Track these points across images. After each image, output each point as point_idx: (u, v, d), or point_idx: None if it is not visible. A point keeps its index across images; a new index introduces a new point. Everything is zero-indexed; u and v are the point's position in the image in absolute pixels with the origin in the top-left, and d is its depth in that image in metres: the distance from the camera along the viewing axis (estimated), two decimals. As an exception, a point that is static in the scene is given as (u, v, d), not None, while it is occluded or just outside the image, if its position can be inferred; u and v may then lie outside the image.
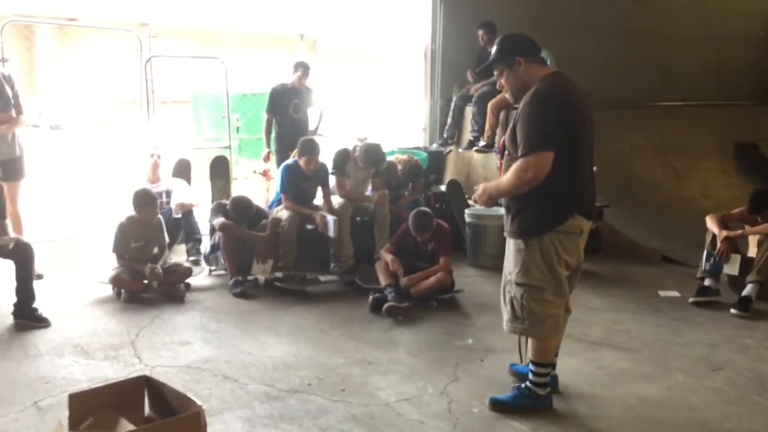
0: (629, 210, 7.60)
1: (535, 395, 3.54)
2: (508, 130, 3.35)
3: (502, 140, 8.10)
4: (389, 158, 6.89)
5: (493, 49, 3.42)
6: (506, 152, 3.46)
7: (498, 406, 3.56)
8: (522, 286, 3.33)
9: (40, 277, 5.50)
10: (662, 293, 5.70)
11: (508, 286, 3.40)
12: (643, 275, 6.31)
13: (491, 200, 3.43)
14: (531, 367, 3.54)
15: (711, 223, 5.52)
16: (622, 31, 9.89)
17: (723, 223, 5.50)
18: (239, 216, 5.77)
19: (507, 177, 3.24)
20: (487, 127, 7.69)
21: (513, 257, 3.37)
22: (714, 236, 5.44)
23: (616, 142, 8.58)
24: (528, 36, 3.41)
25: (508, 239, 3.43)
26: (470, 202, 6.88)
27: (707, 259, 5.45)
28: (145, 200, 5.49)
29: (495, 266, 6.19)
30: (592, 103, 9.05)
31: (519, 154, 3.15)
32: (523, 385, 3.59)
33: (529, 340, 3.53)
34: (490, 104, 7.70)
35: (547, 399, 3.57)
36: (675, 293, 5.69)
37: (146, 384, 3.00)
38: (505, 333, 4.71)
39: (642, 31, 10.08)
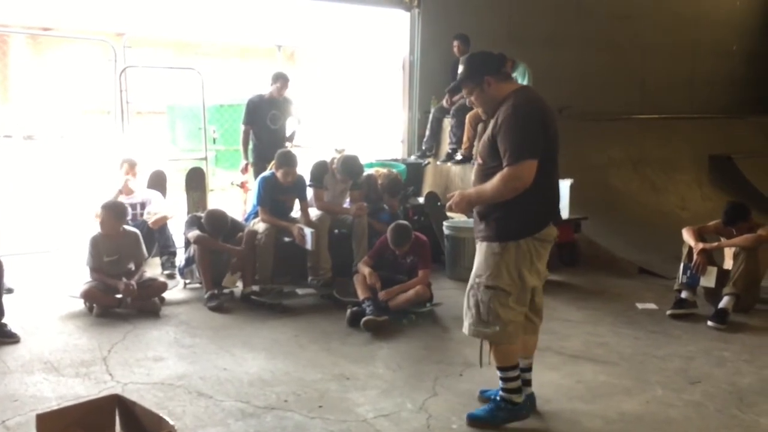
0: (607, 222, 7.64)
1: (511, 404, 3.50)
2: (484, 142, 3.38)
3: (480, 152, 8.14)
4: (369, 171, 6.86)
5: (460, 69, 3.47)
6: (477, 162, 3.48)
7: (476, 421, 3.52)
8: (491, 289, 3.34)
9: (10, 291, 5.37)
10: (640, 305, 5.72)
11: (474, 290, 3.41)
12: (620, 287, 6.32)
13: (470, 207, 3.45)
14: (499, 374, 3.51)
15: (687, 236, 5.55)
16: (598, 44, 9.99)
17: (699, 236, 5.53)
18: (214, 230, 5.69)
19: (492, 185, 3.26)
20: (465, 139, 7.71)
21: (485, 260, 3.37)
22: (690, 249, 5.47)
23: (594, 155, 8.65)
24: (494, 53, 3.45)
25: (479, 243, 3.44)
26: (449, 214, 6.87)
27: (684, 272, 5.48)
28: (113, 211, 5.40)
29: (473, 279, 6.19)
30: (569, 115, 9.11)
31: (505, 163, 3.21)
32: (498, 398, 3.54)
33: (492, 350, 3.48)
34: (468, 116, 7.72)
35: (524, 407, 3.54)
36: (652, 305, 5.70)
37: (117, 403, 2.92)
38: (484, 346, 4.71)
39: (618, 43, 10.19)
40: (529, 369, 3.69)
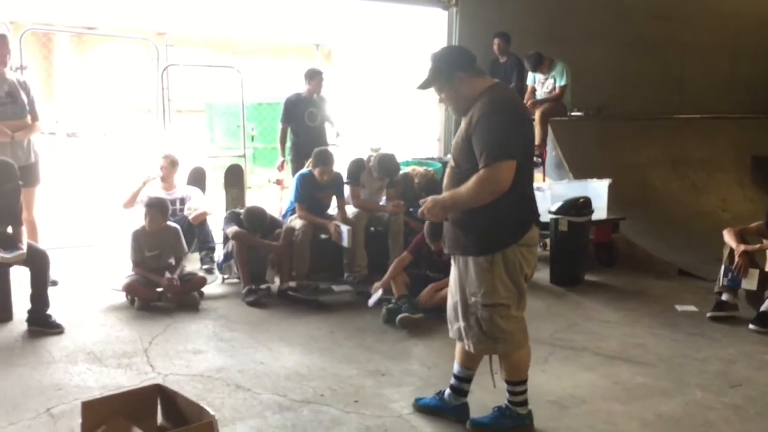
0: (645, 223, 7.53)
1: (516, 415, 3.42)
2: (457, 143, 3.22)
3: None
4: (406, 170, 6.87)
5: (429, 66, 3.27)
6: (450, 166, 3.31)
7: (479, 428, 3.44)
8: (490, 307, 3.20)
9: (54, 283, 5.51)
10: (679, 307, 5.64)
11: (472, 308, 3.25)
12: (659, 289, 6.24)
13: (444, 213, 3.27)
14: (508, 387, 3.42)
15: (729, 237, 5.45)
16: (637, 42, 9.86)
17: (741, 237, 5.42)
18: (253, 226, 5.77)
19: (467, 188, 3.06)
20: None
21: (476, 278, 3.20)
22: (732, 250, 5.37)
23: (632, 155, 8.53)
24: (464, 48, 3.34)
25: (461, 258, 3.26)
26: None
27: (725, 274, 5.38)
28: (157, 208, 5.52)
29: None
30: (607, 115, 8.97)
31: (481, 164, 3.01)
32: (504, 405, 3.45)
33: (503, 364, 3.40)
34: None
35: (527, 418, 3.45)
36: (692, 308, 5.62)
37: (159, 392, 2.99)
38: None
39: (657, 42, 10.04)
40: (468, 380, 3.57)
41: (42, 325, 4.72)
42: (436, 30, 8.85)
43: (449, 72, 3.20)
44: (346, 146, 7.98)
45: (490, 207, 3.07)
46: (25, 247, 4.76)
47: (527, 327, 3.40)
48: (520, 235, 3.17)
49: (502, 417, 3.44)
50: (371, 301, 5.27)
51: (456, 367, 3.58)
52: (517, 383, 3.41)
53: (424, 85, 3.31)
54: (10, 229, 4.86)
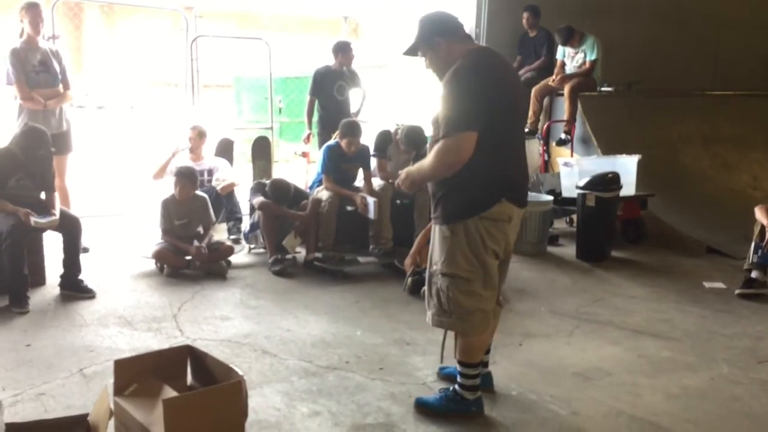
0: (674, 200, 7.43)
1: (461, 399, 3.29)
2: (434, 112, 3.11)
3: (545, 126, 8.03)
4: (432, 143, 6.84)
5: (415, 31, 3.18)
6: (432, 136, 3.20)
7: (422, 408, 3.34)
8: (448, 277, 3.09)
9: (86, 250, 5.62)
10: (707, 284, 5.58)
11: (434, 277, 3.18)
12: (687, 266, 6.17)
13: (415, 185, 3.22)
14: (458, 368, 3.29)
15: (760, 214, 5.37)
16: (670, 16, 9.64)
17: (772, 214, 5.35)
18: (278, 198, 5.80)
19: (428, 160, 3.01)
20: (530, 112, 7.61)
21: (439, 245, 3.14)
22: (762, 227, 5.30)
23: (663, 131, 8.40)
24: (448, 14, 3.19)
25: (433, 226, 3.21)
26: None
27: (755, 251, 5.30)
28: (188, 177, 5.58)
29: (535, 252, 6.18)
30: (639, 90, 8.77)
31: (441, 134, 2.92)
32: (450, 388, 3.34)
33: (457, 339, 3.29)
34: (534, 90, 7.62)
35: (474, 404, 3.29)
36: (720, 285, 5.56)
37: (189, 353, 3.04)
38: (544, 318, 4.71)
39: (692, 16, 9.81)
40: (486, 351, 3.52)
41: (74, 289, 4.83)
42: (466, 3, 8.74)
43: (430, 37, 3.11)
44: (369, 118, 7.96)
45: (455, 178, 2.98)
46: (57, 212, 4.86)
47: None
48: (483, 209, 3.03)
49: (447, 400, 3.31)
50: (407, 286, 5.17)
51: None
52: (468, 365, 3.26)
53: (409, 52, 3.24)
54: (43, 195, 4.96)
